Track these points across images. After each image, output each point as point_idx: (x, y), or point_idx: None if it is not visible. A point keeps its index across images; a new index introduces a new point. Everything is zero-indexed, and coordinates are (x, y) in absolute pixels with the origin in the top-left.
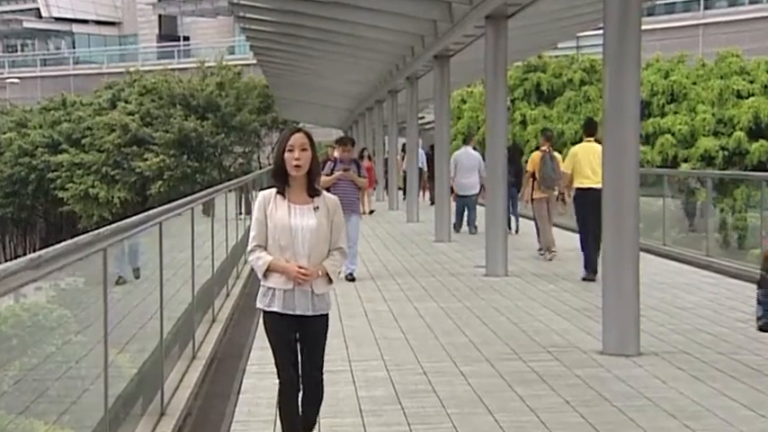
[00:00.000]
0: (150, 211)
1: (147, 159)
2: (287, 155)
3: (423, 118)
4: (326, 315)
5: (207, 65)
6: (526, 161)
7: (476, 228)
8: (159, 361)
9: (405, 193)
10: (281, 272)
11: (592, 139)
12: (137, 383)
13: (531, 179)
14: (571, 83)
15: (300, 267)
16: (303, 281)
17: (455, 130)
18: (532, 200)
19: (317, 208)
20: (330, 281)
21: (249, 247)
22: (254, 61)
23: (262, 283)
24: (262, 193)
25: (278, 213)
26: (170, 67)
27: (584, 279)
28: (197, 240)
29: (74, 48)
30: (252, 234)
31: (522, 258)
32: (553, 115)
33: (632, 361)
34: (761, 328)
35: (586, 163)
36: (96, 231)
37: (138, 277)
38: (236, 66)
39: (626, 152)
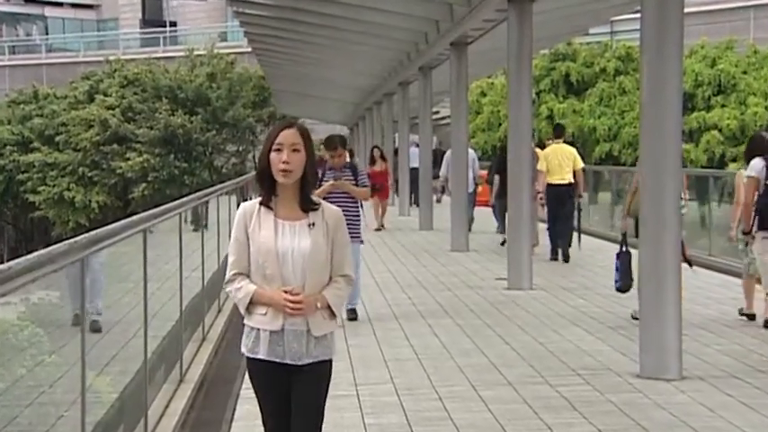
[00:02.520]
0: (133, 217)
1: (129, 159)
2: (273, 156)
3: (437, 113)
4: (328, 362)
5: (196, 53)
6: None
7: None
8: (143, 385)
9: (415, 197)
10: (265, 303)
11: (561, 140)
12: (117, 410)
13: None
14: (604, 73)
15: (289, 293)
16: (293, 313)
17: (474, 126)
18: None
19: (313, 225)
20: (333, 315)
21: (227, 277)
22: (249, 49)
23: (245, 321)
24: (243, 206)
25: (261, 232)
26: (155, 55)
27: (551, 259)
28: (185, 249)
29: (46, 34)
30: (230, 259)
31: (548, 270)
32: (584, 109)
33: (674, 385)
34: (618, 290)
35: (556, 162)
36: (72, 239)
37: (97, 330)
38: (228, 54)
39: (666, 151)
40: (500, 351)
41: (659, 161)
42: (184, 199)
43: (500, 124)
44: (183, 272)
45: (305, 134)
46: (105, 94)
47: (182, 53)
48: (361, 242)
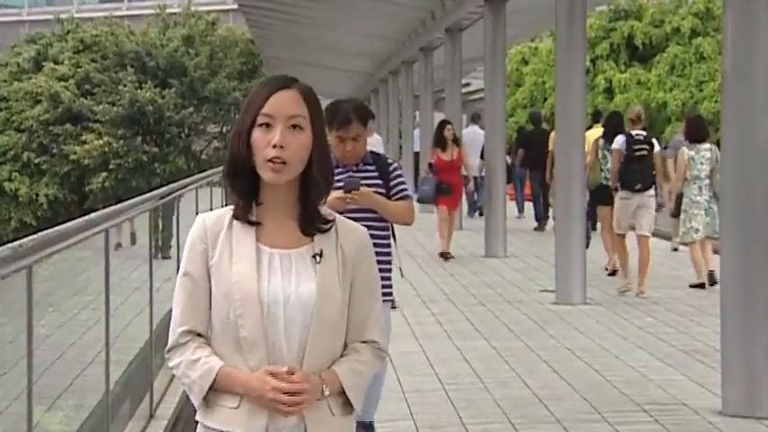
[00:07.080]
0: (91, 215)
1: (85, 143)
2: (257, 135)
3: (468, 85)
4: None
5: (168, 11)
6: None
7: (479, 209)
8: (104, 421)
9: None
10: (240, 391)
11: (598, 125)
12: None
13: (551, 159)
14: (677, 34)
15: (275, 375)
16: (289, 411)
17: (512, 102)
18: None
19: (320, 256)
20: (348, 408)
21: (170, 341)
22: (235, 6)
23: (199, 417)
24: (201, 220)
25: (234, 267)
26: (117, 13)
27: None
28: (157, 255)
29: None
30: (175, 311)
31: (605, 279)
32: (651, 80)
33: (765, 425)
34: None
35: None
36: (17, 242)
37: None
38: (209, 13)
39: (754, 132)
40: (546, 381)
41: (746, 145)
42: (155, 192)
43: (545, 99)
44: (155, 282)
45: (311, 99)
46: (56, 62)
47: (151, 11)
48: (393, 305)
